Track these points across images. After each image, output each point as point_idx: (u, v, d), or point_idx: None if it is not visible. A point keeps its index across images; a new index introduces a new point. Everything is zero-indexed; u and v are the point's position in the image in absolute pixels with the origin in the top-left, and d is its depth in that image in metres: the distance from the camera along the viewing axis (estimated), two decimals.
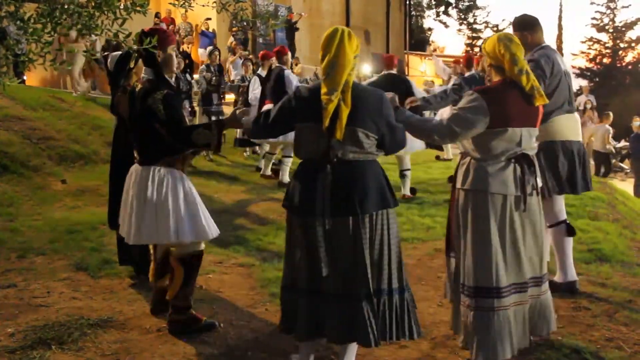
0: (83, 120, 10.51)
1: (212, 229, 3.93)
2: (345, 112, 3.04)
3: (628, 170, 16.81)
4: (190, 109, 10.35)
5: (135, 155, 4.02)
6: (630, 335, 3.88)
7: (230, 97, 13.20)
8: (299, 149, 3.30)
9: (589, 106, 18.21)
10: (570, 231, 4.60)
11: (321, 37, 3.27)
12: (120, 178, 4.34)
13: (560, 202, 4.65)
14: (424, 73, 26.37)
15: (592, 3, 35.79)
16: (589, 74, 34.95)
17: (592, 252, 5.57)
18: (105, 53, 13.62)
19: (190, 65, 15.43)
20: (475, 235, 3.42)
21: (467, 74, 7.99)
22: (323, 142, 3.12)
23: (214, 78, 10.89)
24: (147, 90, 3.84)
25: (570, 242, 4.64)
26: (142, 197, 3.82)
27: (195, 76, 11.57)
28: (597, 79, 34.26)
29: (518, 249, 3.44)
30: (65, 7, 3.23)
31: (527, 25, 4.56)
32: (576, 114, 4.68)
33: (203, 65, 11.46)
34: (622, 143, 17.94)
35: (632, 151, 14.40)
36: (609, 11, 34.48)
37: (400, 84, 7.60)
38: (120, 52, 5.34)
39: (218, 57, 11.58)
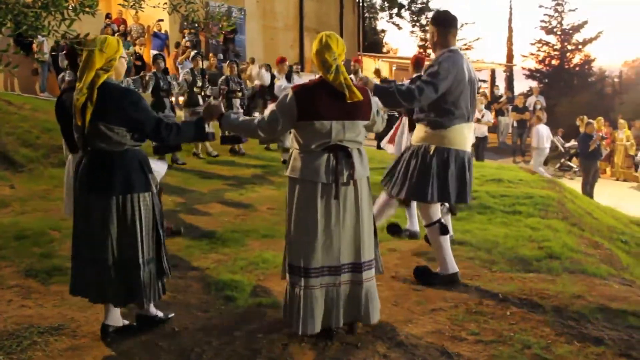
0: (32, 123, 10.26)
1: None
2: (90, 109, 3.53)
3: (576, 169, 17.24)
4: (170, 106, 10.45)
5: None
6: (579, 330, 3.97)
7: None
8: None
9: (538, 107, 18.61)
10: (444, 230, 4.84)
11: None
12: None
13: (436, 206, 4.87)
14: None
15: (540, 6, 36.73)
16: (538, 75, 35.73)
17: (543, 249, 5.69)
18: (53, 53, 13.41)
19: (142, 67, 15.27)
20: (292, 218, 3.74)
21: (414, 76, 8.09)
22: (79, 134, 3.69)
23: (198, 81, 10.94)
24: (64, 90, 4.57)
25: (446, 239, 4.86)
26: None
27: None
28: (547, 80, 35.05)
29: (331, 234, 3.68)
30: (10, 7, 3.15)
31: (441, 23, 4.63)
32: (472, 122, 4.83)
33: (187, 69, 11.54)
34: (571, 143, 18.39)
35: (579, 150, 14.77)
36: (556, 14, 35.32)
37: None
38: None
39: (201, 61, 11.71)
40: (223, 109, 3.90)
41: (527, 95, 26.15)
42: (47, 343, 3.78)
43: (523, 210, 7.21)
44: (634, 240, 7.96)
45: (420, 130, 4.81)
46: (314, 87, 3.68)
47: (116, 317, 3.89)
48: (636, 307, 4.37)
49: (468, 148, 4.74)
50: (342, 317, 3.78)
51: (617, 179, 18.24)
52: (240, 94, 11.91)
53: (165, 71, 11.45)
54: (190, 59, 12.04)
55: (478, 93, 4.91)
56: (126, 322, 4.01)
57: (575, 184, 13.72)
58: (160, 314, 4.10)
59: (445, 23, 4.62)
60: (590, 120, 14.64)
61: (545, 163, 16.38)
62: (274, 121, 3.70)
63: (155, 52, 16.84)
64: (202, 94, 11.20)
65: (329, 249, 3.68)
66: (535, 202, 7.67)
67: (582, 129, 14.53)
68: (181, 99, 12.36)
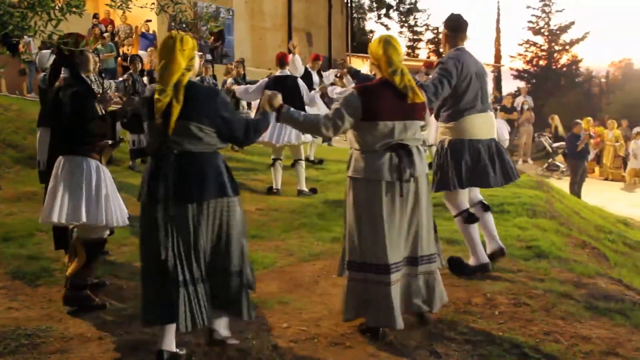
0: (18, 124, 10.19)
1: (120, 220, 4.39)
2: (176, 109, 3.33)
3: (564, 169, 17.34)
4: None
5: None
6: (567, 329, 3.99)
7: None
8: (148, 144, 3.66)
9: (526, 107, 18.71)
10: (469, 219, 4.95)
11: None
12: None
13: (462, 195, 4.98)
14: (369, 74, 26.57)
15: (528, 7, 36.85)
16: (526, 75, 35.88)
17: (531, 249, 5.70)
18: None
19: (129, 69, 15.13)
20: (357, 218, 3.80)
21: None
22: (159, 136, 3.43)
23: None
24: (60, 87, 4.29)
25: (474, 228, 4.97)
26: (60, 182, 4.24)
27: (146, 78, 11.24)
28: (534, 81, 35.21)
29: (397, 230, 3.80)
30: None
31: (453, 27, 4.90)
32: (490, 113, 5.00)
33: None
34: (559, 142, 18.49)
35: (567, 150, 14.85)
36: (544, 15, 35.48)
37: (289, 85, 8.07)
38: (50, 50, 5.37)
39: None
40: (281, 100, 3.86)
41: (515, 95, 26.26)
42: (34, 345, 3.76)
43: (511, 210, 7.23)
44: (621, 239, 8.01)
45: (439, 129, 5.05)
46: (377, 88, 3.81)
47: (172, 341, 3.49)
48: (623, 306, 4.40)
49: (485, 136, 4.88)
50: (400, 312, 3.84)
51: (606, 179, 18.36)
52: None
53: (142, 73, 11.16)
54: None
55: None
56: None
57: (563, 184, 13.79)
58: (234, 341, 3.72)
59: (456, 28, 4.88)
60: (578, 120, 14.72)
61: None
62: (339, 119, 3.76)
63: (142, 52, 16.78)
64: None
65: (396, 244, 3.79)
66: (524, 202, 7.69)
67: (553, 128, 14.60)
68: None
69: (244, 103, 11.72)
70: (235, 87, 9.62)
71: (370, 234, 3.77)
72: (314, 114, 4.07)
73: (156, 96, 3.37)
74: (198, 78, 11.49)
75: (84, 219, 4.17)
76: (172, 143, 3.39)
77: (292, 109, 3.88)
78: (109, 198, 4.31)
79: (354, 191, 3.84)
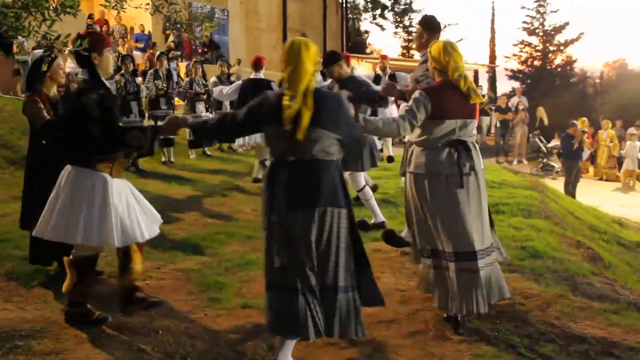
0: (13, 124, 10.16)
1: (119, 239, 3.93)
2: (307, 115, 3.24)
3: (559, 169, 17.37)
4: (139, 111, 10.11)
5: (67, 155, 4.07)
6: (562, 329, 4.00)
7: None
8: (269, 149, 3.62)
9: (521, 107, 18.73)
10: None
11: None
12: (35, 180, 4.94)
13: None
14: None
15: (522, 7, 36.98)
16: (521, 76, 35.94)
17: (525, 249, 5.72)
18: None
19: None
20: (436, 209, 4.02)
21: None
22: (285, 143, 3.33)
23: (162, 83, 10.63)
24: (81, 90, 3.92)
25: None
26: (64, 196, 3.93)
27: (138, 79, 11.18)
28: (529, 81, 35.26)
29: (463, 221, 3.98)
30: None
31: (429, 27, 4.99)
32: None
33: (151, 70, 11.11)
34: (553, 143, 18.53)
35: (562, 150, 14.88)
36: (538, 15, 35.54)
37: (263, 87, 7.95)
38: (42, 51, 5.20)
39: (166, 61, 11.33)
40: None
41: (509, 95, 26.33)
42: (29, 346, 3.74)
43: (506, 210, 7.25)
44: (616, 240, 8.04)
45: None
46: (442, 89, 4.06)
47: (287, 354, 3.38)
48: (618, 306, 4.41)
49: None
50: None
51: (600, 179, 18.40)
52: (205, 97, 11.60)
53: (134, 72, 11.11)
54: (155, 58, 11.63)
55: None
56: None
57: (557, 184, 13.83)
58: None
59: (432, 28, 4.98)
60: (574, 122, 14.76)
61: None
62: (414, 119, 3.98)
63: (138, 53, 16.76)
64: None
65: (478, 232, 4.02)
66: (518, 202, 7.72)
67: (538, 120, 14.64)
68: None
69: (226, 104, 11.69)
70: (214, 89, 9.72)
71: (447, 224, 4.00)
72: (387, 118, 4.24)
73: (286, 102, 3.28)
74: (187, 80, 11.48)
75: (78, 239, 3.88)
76: (298, 149, 3.31)
77: (367, 117, 4.12)
78: (118, 214, 3.93)
79: (416, 186, 4.11)
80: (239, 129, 3.58)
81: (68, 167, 4.00)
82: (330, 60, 6.09)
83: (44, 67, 4.83)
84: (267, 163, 8.53)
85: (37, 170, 4.98)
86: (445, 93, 4.03)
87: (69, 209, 3.89)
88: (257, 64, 8.79)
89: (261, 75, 8.75)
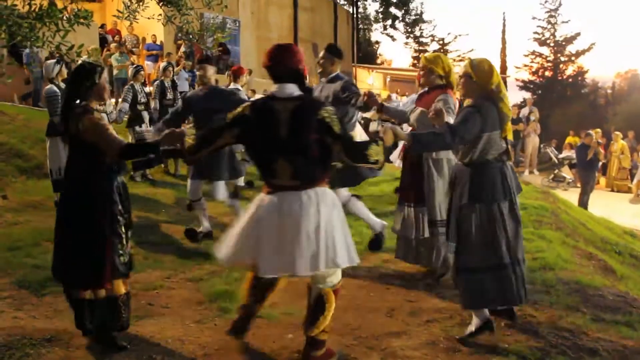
0: (25, 133, 10.22)
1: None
2: None
3: (570, 180, 17.29)
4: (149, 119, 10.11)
5: (276, 179, 3.53)
6: (574, 341, 3.97)
7: None
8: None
9: (532, 118, 18.66)
10: None
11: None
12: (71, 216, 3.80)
13: None
14: (372, 86, 26.64)
15: (533, 18, 36.95)
16: (531, 86, 35.89)
17: (537, 260, 5.68)
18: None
19: None
20: None
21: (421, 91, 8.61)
22: None
23: (168, 94, 10.63)
24: (303, 106, 3.47)
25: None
26: (303, 225, 3.40)
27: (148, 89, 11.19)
28: (540, 92, 35.21)
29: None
30: (4, 18, 3.14)
31: (338, 54, 5.69)
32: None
33: (157, 82, 11.12)
34: (564, 153, 18.45)
35: (578, 161, 14.82)
36: (549, 26, 35.54)
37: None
38: (55, 60, 4.92)
39: (172, 72, 11.35)
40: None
41: (520, 106, 26.26)
42: (39, 355, 3.74)
43: None
44: (628, 251, 7.98)
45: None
46: (490, 103, 4.01)
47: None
48: (630, 318, 4.37)
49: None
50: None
51: (612, 190, 18.29)
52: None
53: (144, 84, 11.09)
54: (161, 69, 11.58)
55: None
56: None
57: (569, 195, 13.76)
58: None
59: (338, 55, 5.66)
60: (590, 132, 14.71)
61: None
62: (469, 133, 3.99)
63: (150, 63, 16.86)
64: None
65: None
66: (529, 213, 7.68)
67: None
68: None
69: None
70: None
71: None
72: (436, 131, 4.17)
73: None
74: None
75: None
76: (474, 153, 4.02)
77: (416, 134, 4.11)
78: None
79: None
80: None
81: (284, 194, 3.48)
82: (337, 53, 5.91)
83: (96, 79, 3.84)
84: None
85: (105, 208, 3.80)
86: (492, 107, 4.13)
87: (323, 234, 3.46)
88: (235, 75, 9.18)
89: (239, 86, 9.04)
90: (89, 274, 3.72)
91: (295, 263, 3.35)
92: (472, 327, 4.03)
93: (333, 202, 3.53)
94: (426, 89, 5.29)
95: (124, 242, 3.82)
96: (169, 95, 10.62)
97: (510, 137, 4.12)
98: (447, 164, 5.06)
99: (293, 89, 3.50)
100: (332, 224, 3.45)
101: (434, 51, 36.97)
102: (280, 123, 3.41)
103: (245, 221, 3.57)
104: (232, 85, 9.11)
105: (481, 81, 4.01)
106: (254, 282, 3.83)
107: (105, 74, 3.89)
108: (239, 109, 3.55)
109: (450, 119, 4.55)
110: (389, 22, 36.72)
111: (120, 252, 3.78)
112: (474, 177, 4.01)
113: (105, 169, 3.76)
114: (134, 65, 11.54)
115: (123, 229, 3.82)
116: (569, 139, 20.16)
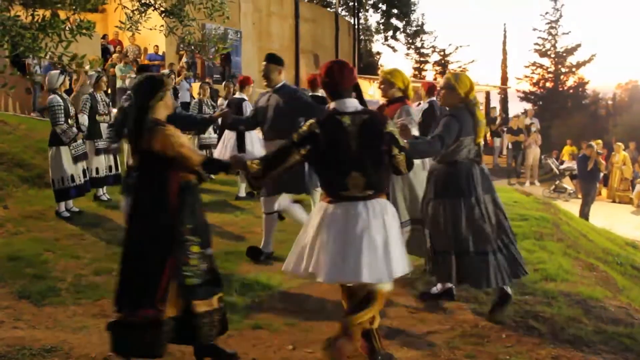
0: (27, 143, 10.24)
1: None
2: None
3: (571, 191, 17.28)
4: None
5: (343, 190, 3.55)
6: (576, 353, 3.96)
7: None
8: None
9: (533, 129, 18.68)
10: None
11: None
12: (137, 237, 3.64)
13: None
14: (373, 96, 26.66)
15: (534, 29, 37.01)
16: (532, 97, 35.90)
17: (538, 271, 5.67)
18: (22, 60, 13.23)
19: None
20: None
21: (428, 100, 8.75)
22: None
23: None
24: (372, 119, 3.57)
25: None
26: (372, 234, 3.48)
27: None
28: (541, 102, 35.22)
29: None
30: (7, 28, 3.16)
31: (281, 62, 5.87)
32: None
33: None
34: (566, 164, 18.45)
35: (579, 172, 14.81)
36: (550, 37, 35.56)
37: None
38: (59, 71, 4.90)
39: (173, 80, 11.33)
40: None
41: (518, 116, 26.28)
42: None
43: (518, 233, 7.18)
44: (629, 263, 7.96)
45: None
46: (466, 112, 4.50)
47: None
48: (632, 330, 4.36)
49: None
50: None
51: (613, 201, 18.27)
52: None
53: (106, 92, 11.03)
54: (187, 79, 11.61)
55: None
56: None
57: (570, 206, 13.74)
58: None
59: (281, 63, 5.87)
60: (592, 143, 14.71)
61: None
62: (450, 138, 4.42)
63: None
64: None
65: None
66: (531, 224, 7.68)
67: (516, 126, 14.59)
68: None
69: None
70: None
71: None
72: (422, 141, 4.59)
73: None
74: (195, 101, 11.42)
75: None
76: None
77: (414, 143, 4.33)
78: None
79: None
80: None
81: (350, 204, 3.53)
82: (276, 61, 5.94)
83: (162, 94, 3.66)
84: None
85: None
86: (467, 115, 4.56)
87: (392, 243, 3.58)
88: (242, 84, 9.29)
89: (244, 95, 9.18)
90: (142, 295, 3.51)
91: (360, 271, 3.41)
92: (435, 289, 4.99)
93: (393, 213, 3.66)
94: (385, 101, 5.50)
95: (193, 261, 3.59)
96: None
97: (481, 142, 4.61)
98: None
99: (356, 104, 3.63)
100: (396, 236, 3.58)
101: (435, 62, 37.14)
102: (350, 137, 3.51)
103: (310, 230, 3.62)
104: (237, 95, 9.15)
105: (463, 92, 4.50)
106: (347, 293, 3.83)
107: (169, 81, 3.93)
108: (305, 127, 3.57)
109: (415, 130, 4.96)
110: (390, 33, 36.77)
111: (186, 272, 3.54)
112: (442, 175, 4.53)
113: (180, 183, 3.63)
114: (95, 72, 11.18)
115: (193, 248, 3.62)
116: (567, 149, 20.20)
